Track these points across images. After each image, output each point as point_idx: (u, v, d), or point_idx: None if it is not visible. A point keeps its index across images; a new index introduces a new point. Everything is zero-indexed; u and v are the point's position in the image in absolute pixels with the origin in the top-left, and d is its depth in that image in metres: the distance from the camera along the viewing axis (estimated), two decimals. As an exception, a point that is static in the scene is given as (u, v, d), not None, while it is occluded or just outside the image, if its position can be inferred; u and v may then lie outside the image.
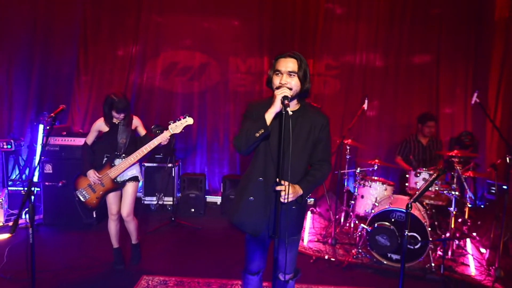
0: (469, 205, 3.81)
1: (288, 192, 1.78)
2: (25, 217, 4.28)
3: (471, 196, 4.42)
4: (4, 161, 4.26)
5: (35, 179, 4.39)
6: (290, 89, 1.83)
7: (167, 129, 2.94)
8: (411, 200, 1.75)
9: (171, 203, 4.91)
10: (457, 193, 3.52)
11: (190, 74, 5.44)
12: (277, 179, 1.79)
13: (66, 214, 4.20)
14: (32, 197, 2.23)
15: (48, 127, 2.53)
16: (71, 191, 3.94)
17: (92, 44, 5.36)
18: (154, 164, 4.92)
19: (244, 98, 5.45)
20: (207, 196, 5.22)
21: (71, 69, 5.39)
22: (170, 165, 4.76)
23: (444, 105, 5.33)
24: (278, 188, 1.77)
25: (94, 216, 4.21)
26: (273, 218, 1.87)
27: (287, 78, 1.84)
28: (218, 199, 5.42)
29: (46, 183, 4.17)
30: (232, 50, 5.41)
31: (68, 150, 4.20)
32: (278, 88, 1.83)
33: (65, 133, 4.34)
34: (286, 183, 1.78)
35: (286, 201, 1.78)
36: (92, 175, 3.02)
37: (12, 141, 4.63)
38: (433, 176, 1.86)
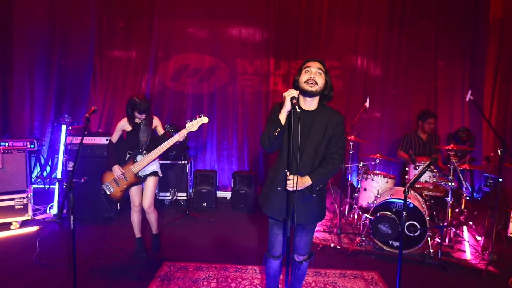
0: (467, 197, 4.07)
1: (296, 182, 2.00)
2: (49, 212, 4.60)
3: (468, 187, 4.68)
4: (29, 160, 4.54)
5: (59, 176, 4.70)
6: (317, 84, 2.11)
7: (180, 128, 3.22)
8: (408, 185, 2.02)
9: (184, 198, 5.20)
10: (453, 184, 3.78)
11: (200, 75, 5.73)
12: (288, 171, 2.04)
13: (88, 209, 4.48)
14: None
15: (85, 127, 2.81)
16: (93, 187, 4.28)
17: (107, 49, 5.66)
18: (168, 162, 5.20)
19: (251, 98, 5.74)
20: (217, 192, 5.50)
21: (88, 73, 5.68)
22: (184, 162, 5.04)
23: (442, 103, 5.59)
24: (288, 178, 2.03)
25: (119, 208, 4.51)
26: (295, 205, 2.08)
27: (316, 74, 2.13)
28: (227, 194, 5.70)
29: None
30: (240, 53, 5.68)
31: (89, 148, 4.49)
32: (306, 82, 2.11)
33: (86, 132, 4.64)
34: (295, 176, 2.01)
35: (291, 189, 2.02)
36: (116, 170, 3.31)
37: (35, 141, 4.92)
38: (426, 163, 2.11)
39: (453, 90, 5.55)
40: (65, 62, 5.63)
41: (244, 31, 5.67)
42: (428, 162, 2.10)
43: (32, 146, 4.85)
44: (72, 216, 2.50)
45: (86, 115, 2.74)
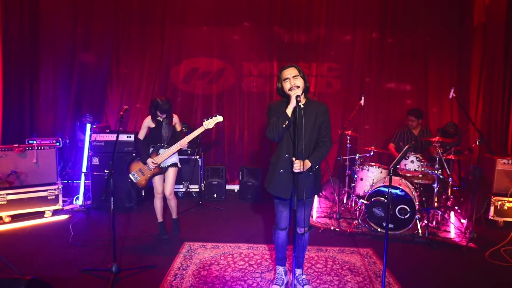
0: (456, 188, 4.53)
1: (301, 165, 2.48)
2: (75, 203, 5.07)
3: (457, 176, 5.13)
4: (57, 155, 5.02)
5: (84, 169, 5.17)
6: (299, 87, 2.56)
7: (192, 126, 3.69)
8: (391, 165, 2.48)
9: (196, 190, 5.67)
10: (439, 172, 4.25)
11: (209, 78, 6.21)
12: (293, 157, 2.50)
13: (111, 199, 4.93)
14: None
15: (119, 124, 3.24)
16: (115, 180, 4.71)
17: (123, 54, 6.15)
18: (181, 157, 5.66)
19: (256, 98, 6.22)
20: (226, 185, 5.96)
21: (105, 77, 6.18)
22: (197, 157, 5.52)
23: (432, 101, 6.07)
24: (294, 163, 2.50)
25: (143, 194, 5.01)
26: (296, 184, 2.52)
27: (294, 80, 2.58)
28: (235, 187, 6.18)
29: (94, 173, 4.94)
30: (246, 56, 6.17)
31: (112, 144, 4.95)
32: (290, 89, 2.56)
33: (108, 130, 5.12)
34: (300, 160, 2.48)
35: (298, 171, 2.48)
36: (150, 162, 3.76)
37: (60, 139, 5.42)
38: (405, 147, 2.57)
39: (442, 89, 6.01)
40: (85, 67, 6.14)
41: (249, 37, 6.15)
42: (407, 146, 2.56)
43: (58, 143, 5.34)
44: (112, 198, 3.00)
45: (121, 112, 3.21)
